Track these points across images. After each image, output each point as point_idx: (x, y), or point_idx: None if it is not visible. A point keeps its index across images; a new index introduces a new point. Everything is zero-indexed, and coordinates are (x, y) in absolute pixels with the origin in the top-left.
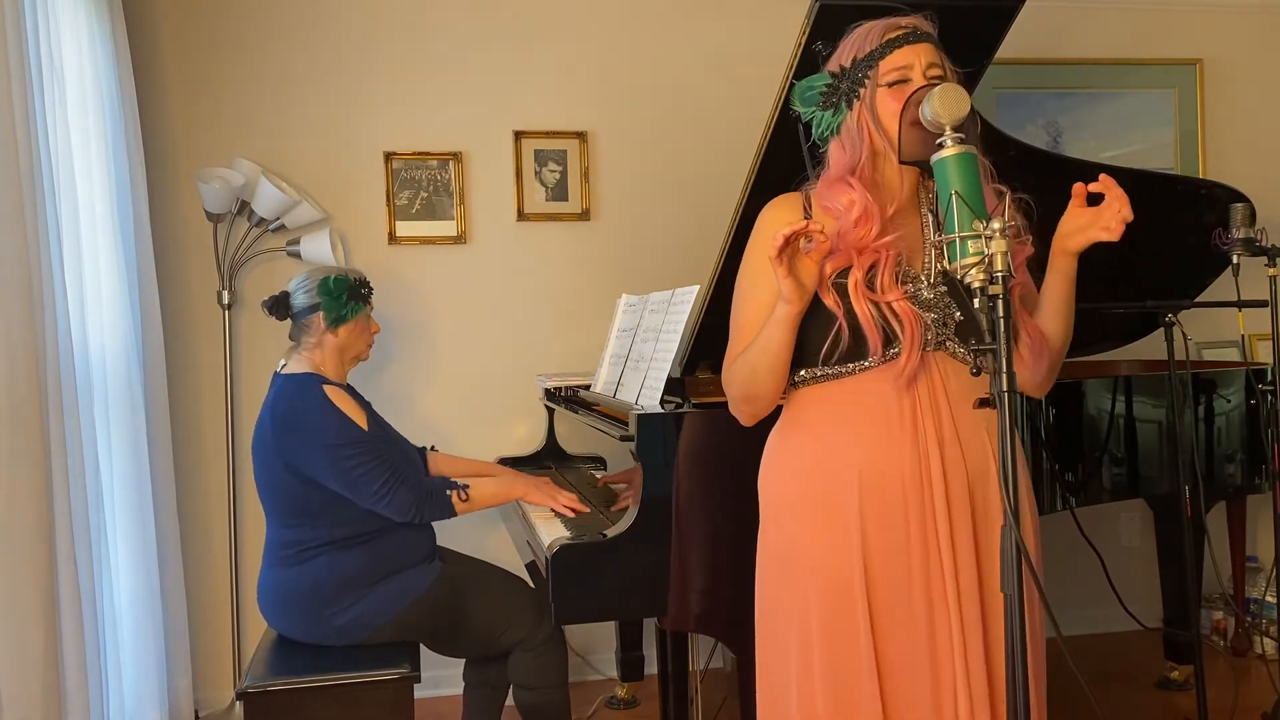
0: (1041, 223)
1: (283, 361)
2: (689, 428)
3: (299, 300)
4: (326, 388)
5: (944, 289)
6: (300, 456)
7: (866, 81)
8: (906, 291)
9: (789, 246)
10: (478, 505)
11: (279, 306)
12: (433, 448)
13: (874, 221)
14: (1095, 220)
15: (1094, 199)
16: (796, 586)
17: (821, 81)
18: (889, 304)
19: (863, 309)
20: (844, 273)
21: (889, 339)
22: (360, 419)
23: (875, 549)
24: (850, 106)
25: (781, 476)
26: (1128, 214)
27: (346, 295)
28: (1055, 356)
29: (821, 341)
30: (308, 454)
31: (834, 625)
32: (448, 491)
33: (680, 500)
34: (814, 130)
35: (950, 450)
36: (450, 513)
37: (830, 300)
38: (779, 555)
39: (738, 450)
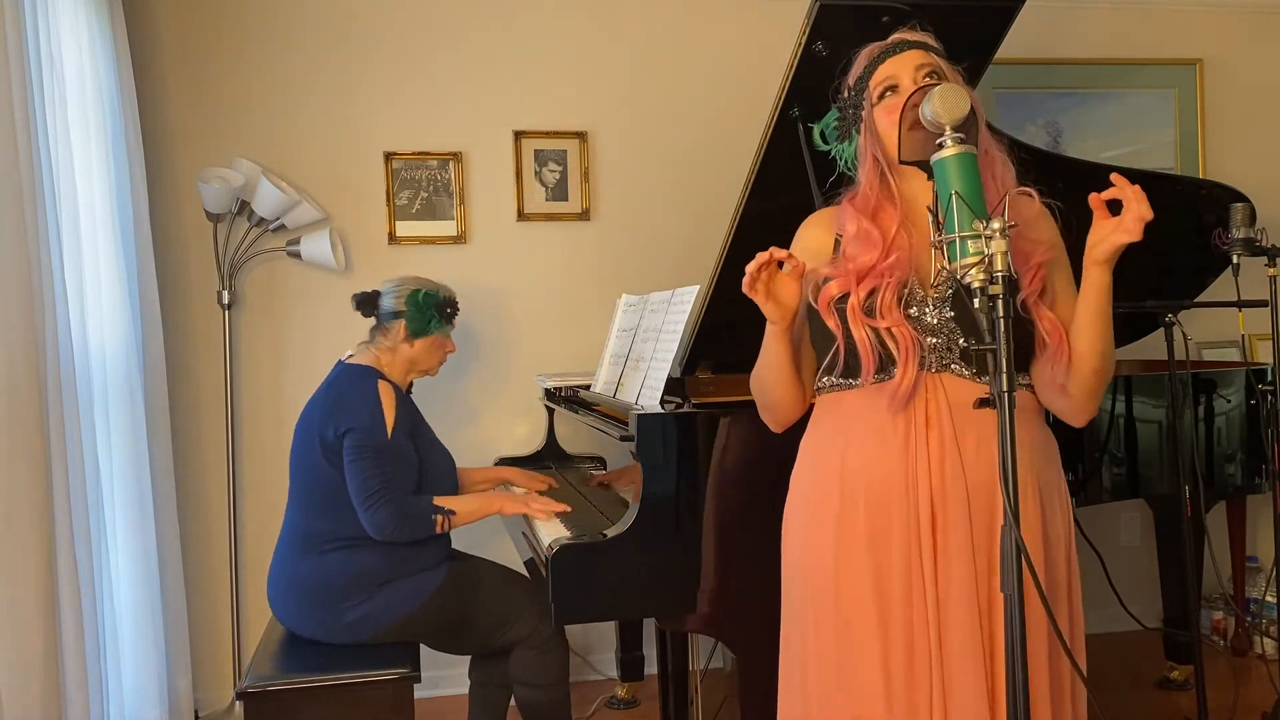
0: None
1: (349, 353)
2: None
3: (387, 304)
4: (380, 383)
5: (950, 314)
6: (338, 435)
7: (864, 103)
8: (910, 315)
9: (760, 276)
10: (459, 524)
11: (367, 303)
12: None
13: (873, 248)
14: (1117, 225)
15: (1115, 206)
16: (796, 592)
17: (833, 117)
18: (887, 328)
19: (860, 334)
20: (846, 296)
21: (883, 363)
22: (391, 423)
23: (860, 558)
24: (858, 131)
25: (794, 483)
26: (1145, 212)
27: (433, 311)
28: (1089, 375)
29: (838, 359)
30: (341, 433)
31: (821, 631)
32: (434, 517)
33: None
34: (839, 164)
35: (951, 465)
36: (431, 532)
37: (832, 323)
38: (787, 560)
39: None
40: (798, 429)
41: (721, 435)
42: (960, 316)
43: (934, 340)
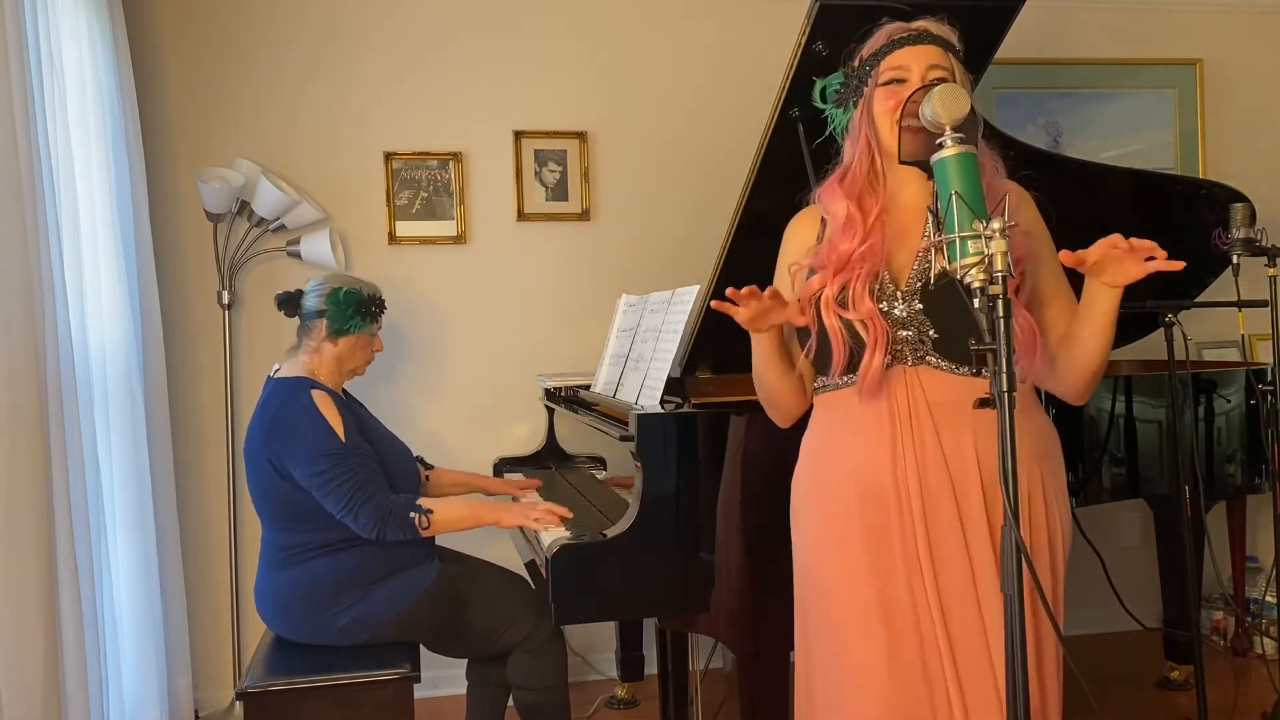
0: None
1: (276, 366)
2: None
3: (309, 303)
4: (314, 392)
5: (920, 308)
6: (286, 460)
7: (869, 80)
8: (880, 309)
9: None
10: (442, 529)
11: (289, 303)
12: (421, 459)
13: (857, 231)
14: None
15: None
16: (802, 595)
17: (837, 79)
18: (859, 320)
19: (831, 324)
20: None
21: (855, 357)
22: (340, 428)
23: (856, 554)
24: (855, 105)
25: (794, 486)
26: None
27: (354, 309)
28: (1091, 375)
29: (821, 355)
30: (291, 459)
31: (823, 634)
32: (411, 515)
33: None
34: (830, 126)
35: (933, 459)
36: (414, 534)
37: (809, 315)
38: (795, 564)
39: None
40: (798, 428)
41: (720, 435)
42: (929, 309)
43: (906, 334)
